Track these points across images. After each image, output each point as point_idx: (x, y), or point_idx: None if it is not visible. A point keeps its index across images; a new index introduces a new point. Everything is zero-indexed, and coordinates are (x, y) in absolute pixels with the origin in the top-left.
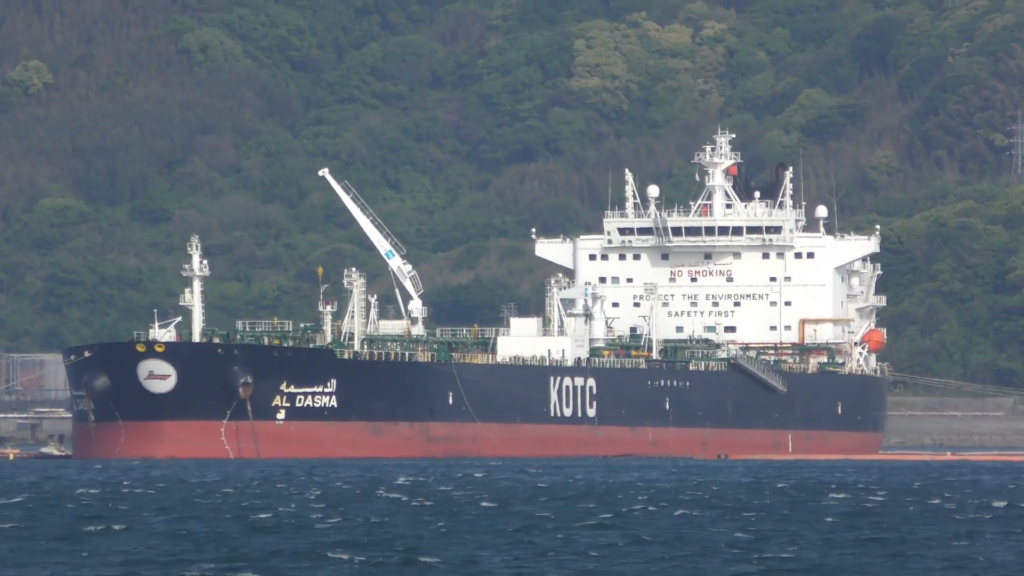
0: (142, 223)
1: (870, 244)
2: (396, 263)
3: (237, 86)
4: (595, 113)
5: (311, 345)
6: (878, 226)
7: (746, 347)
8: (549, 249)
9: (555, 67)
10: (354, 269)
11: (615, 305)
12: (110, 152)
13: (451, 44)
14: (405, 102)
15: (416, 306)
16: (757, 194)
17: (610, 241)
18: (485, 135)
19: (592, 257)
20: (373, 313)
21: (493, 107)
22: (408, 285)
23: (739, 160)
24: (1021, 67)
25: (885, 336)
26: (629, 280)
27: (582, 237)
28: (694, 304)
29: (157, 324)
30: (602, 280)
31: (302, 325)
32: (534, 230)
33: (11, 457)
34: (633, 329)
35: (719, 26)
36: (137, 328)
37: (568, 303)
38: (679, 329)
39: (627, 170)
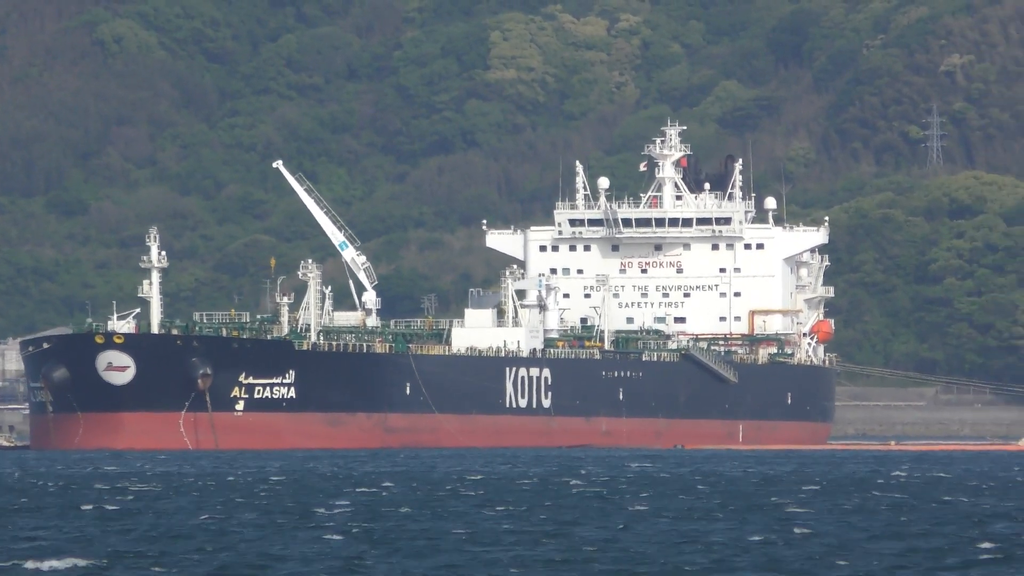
0: (58, 215)
1: (819, 235)
2: (350, 255)
3: (152, 78)
4: (512, 105)
5: (268, 336)
6: (827, 217)
7: (696, 338)
8: (500, 240)
9: (471, 59)
10: (310, 260)
11: (566, 296)
12: (25, 143)
13: (367, 36)
14: (321, 94)
15: (370, 297)
16: (707, 186)
17: (560, 232)
18: (402, 127)
19: (543, 248)
20: (328, 304)
21: (409, 99)
22: (362, 276)
23: (689, 152)
24: (934, 60)
25: (833, 326)
26: (579, 271)
27: (533, 228)
28: (644, 295)
29: (115, 316)
30: (553, 271)
31: (259, 316)
32: (485, 221)
33: None
34: (583, 320)
35: (634, 18)
36: (53, 320)
37: (519, 294)
38: (629, 320)
39: (577, 161)
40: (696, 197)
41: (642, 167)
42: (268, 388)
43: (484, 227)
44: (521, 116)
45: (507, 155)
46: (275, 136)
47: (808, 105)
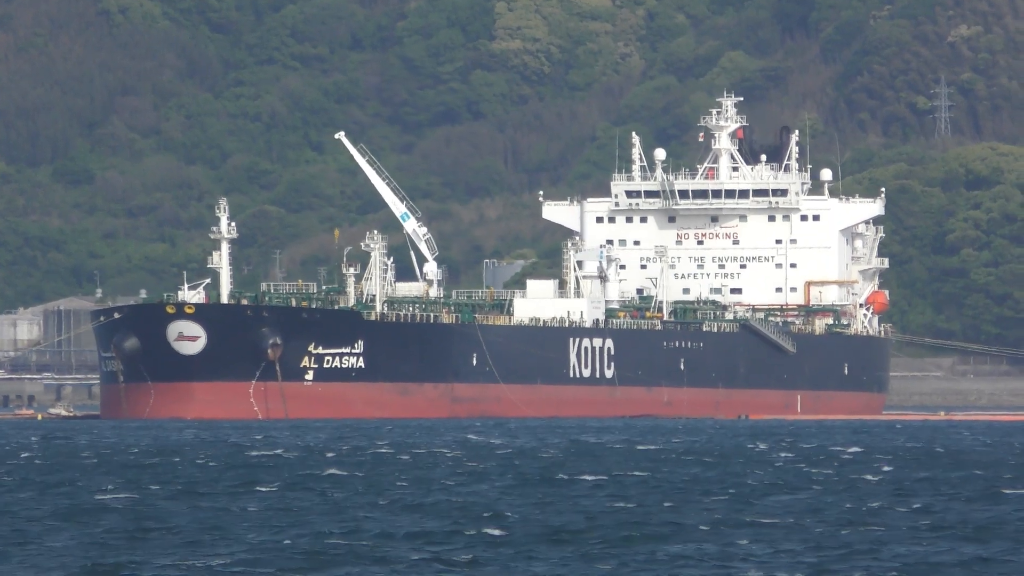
0: (64, 184)
1: (875, 207)
2: (411, 226)
3: (156, 47)
4: (517, 75)
5: (335, 307)
6: (883, 188)
7: (752, 309)
8: (556, 211)
9: (476, 29)
10: (375, 231)
11: (622, 267)
12: (30, 113)
13: (370, 6)
14: (325, 64)
15: (432, 268)
16: (763, 157)
17: (617, 204)
18: (407, 97)
19: (599, 220)
20: (390, 275)
21: (415, 69)
22: (423, 248)
23: (745, 123)
24: (942, 31)
25: (888, 297)
26: (636, 243)
27: (589, 200)
28: (700, 266)
29: (186, 286)
30: (609, 242)
31: (324, 287)
32: (542, 193)
33: (39, 418)
34: (640, 291)
35: None
36: (62, 290)
37: (578, 265)
38: (685, 291)
39: (633, 133)
40: (752, 169)
41: (700, 138)
42: (337, 358)
43: (540, 198)
44: (526, 87)
45: (513, 125)
46: (280, 106)
47: (815, 76)
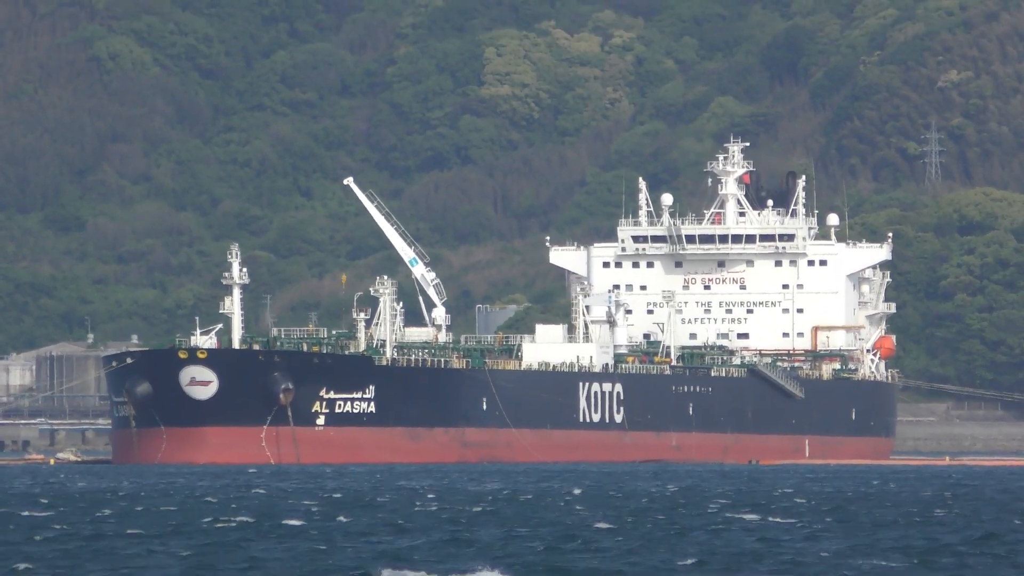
0: (55, 231)
1: (882, 251)
2: (420, 271)
3: (146, 94)
4: (506, 121)
5: (346, 352)
6: (890, 233)
7: (759, 353)
8: (563, 256)
9: (465, 75)
10: (385, 277)
11: (628, 312)
12: (20, 160)
13: (360, 52)
14: (315, 110)
15: (440, 313)
16: (770, 202)
17: (624, 249)
18: (396, 143)
19: (606, 265)
20: (399, 320)
21: (403, 115)
22: (432, 293)
23: (752, 168)
24: (932, 76)
25: (895, 342)
26: (643, 288)
27: (596, 245)
28: (707, 311)
29: (198, 331)
30: (616, 287)
31: (334, 332)
32: (548, 238)
33: (51, 463)
34: (646, 336)
35: (627, 35)
36: (53, 336)
37: (587, 309)
38: (692, 336)
39: (640, 178)
40: (759, 214)
41: (709, 183)
42: (349, 403)
43: (547, 243)
44: (515, 132)
45: (502, 171)
46: (269, 152)
47: (805, 121)
